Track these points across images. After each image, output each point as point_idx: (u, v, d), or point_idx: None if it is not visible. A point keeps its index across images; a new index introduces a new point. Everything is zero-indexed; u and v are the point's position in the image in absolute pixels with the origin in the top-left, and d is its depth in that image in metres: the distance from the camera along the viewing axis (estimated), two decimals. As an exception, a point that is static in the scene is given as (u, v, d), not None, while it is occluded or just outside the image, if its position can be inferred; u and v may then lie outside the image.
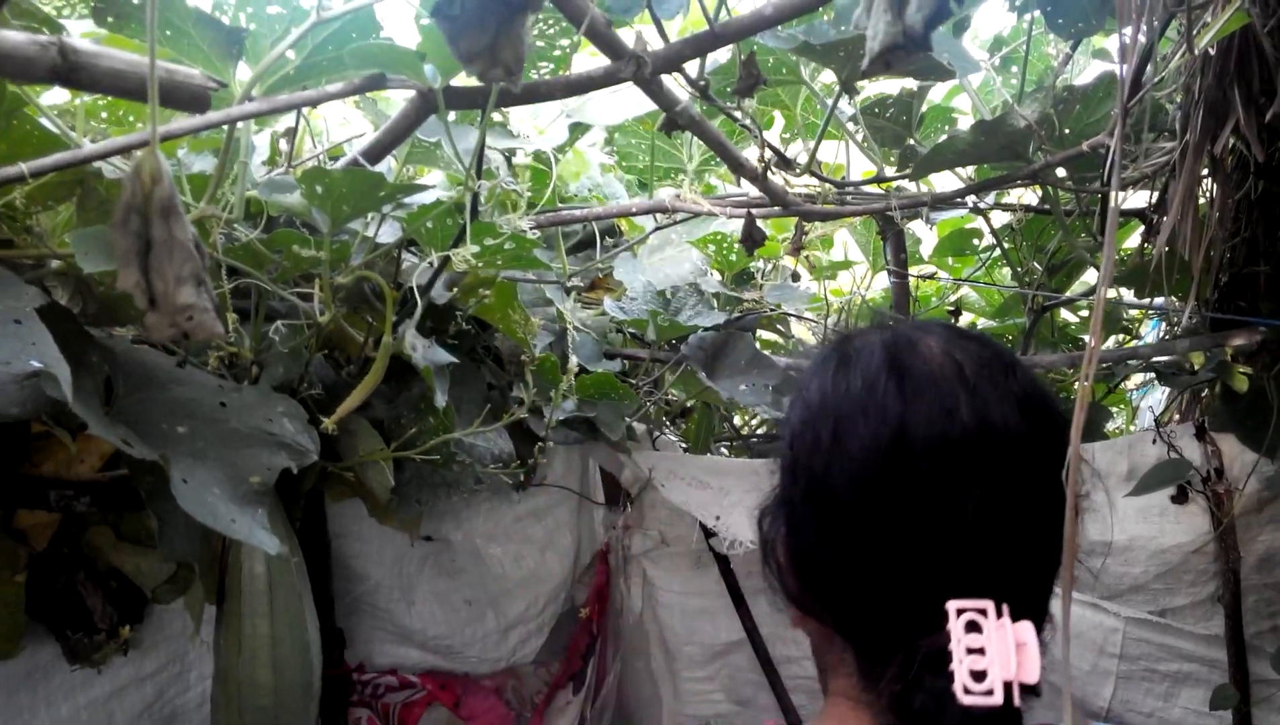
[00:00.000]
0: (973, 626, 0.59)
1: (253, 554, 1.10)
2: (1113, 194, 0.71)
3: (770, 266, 1.83)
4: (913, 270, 1.97)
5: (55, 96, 0.98)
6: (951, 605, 0.59)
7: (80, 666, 1.09)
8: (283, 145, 1.13)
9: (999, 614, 0.58)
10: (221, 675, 1.10)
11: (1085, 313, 2.36)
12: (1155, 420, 1.87)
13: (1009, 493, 0.64)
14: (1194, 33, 1.08)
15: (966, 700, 0.57)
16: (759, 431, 2.26)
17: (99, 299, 0.91)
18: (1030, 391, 0.67)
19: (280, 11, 0.91)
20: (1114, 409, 2.64)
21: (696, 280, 1.54)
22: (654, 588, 1.91)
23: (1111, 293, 2.12)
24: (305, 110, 1.12)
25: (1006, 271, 2.10)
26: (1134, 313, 2.23)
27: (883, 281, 2.09)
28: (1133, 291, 2.00)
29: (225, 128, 0.86)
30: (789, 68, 1.35)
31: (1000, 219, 1.92)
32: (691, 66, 1.04)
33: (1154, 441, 1.76)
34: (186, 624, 1.22)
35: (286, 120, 1.14)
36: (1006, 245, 1.93)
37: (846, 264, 2.00)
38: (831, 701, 0.71)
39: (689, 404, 2.12)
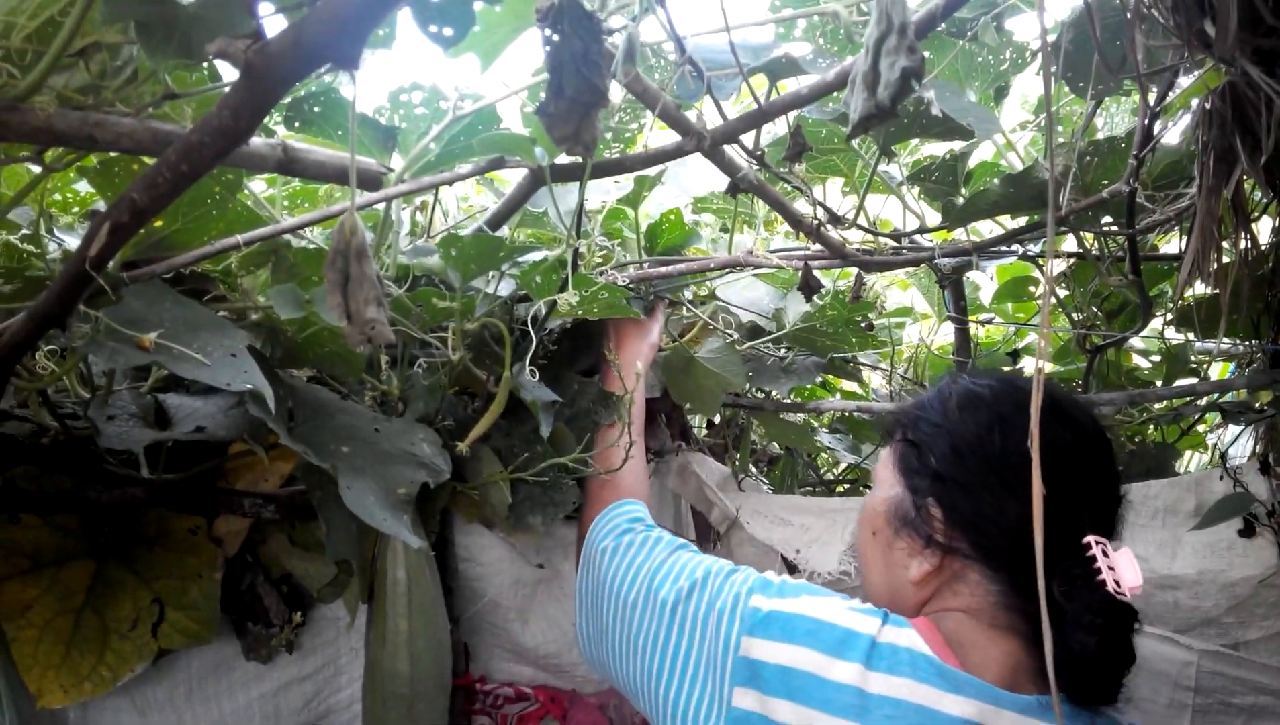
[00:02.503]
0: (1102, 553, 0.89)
1: (395, 562, 1.32)
2: (1050, 213, 0.89)
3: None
4: (974, 317, 2.13)
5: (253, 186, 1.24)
6: (1090, 539, 0.90)
7: (255, 659, 1.31)
8: (420, 219, 1.38)
9: (1115, 546, 0.91)
10: (370, 666, 1.31)
11: (1156, 357, 2.47)
12: (1221, 456, 1.95)
13: (1109, 472, 0.98)
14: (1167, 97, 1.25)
15: (1117, 596, 0.86)
16: (843, 477, 2.42)
17: (284, 346, 1.16)
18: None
19: (424, 112, 1.16)
20: (1201, 456, 2.70)
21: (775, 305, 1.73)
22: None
23: (1176, 336, 2.23)
24: (438, 189, 1.38)
25: (1074, 317, 2.22)
26: (1203, 357, 2.32)
27: (948, 332, 2.25)
28: (1193, 334, 2.11)
29: (382, 205, 1.11)
30: (839, 137, 1.56)
31: (1055, 266, 2.06)
32: (750, 138, 1.26)
33: (1221, 477, 1.84)
34: (339, 632, 1.44)
35: (422, 198, 1.40)
36: (1062, 291, 2.07)
37: (909, 311, 2.17)
38: (937, 614, 0.99)
39: (775, 452, 2.30)
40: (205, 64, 0.90)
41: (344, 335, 0.79)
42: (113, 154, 0.96)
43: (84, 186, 1.15)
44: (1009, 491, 0.95)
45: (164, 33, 0.73)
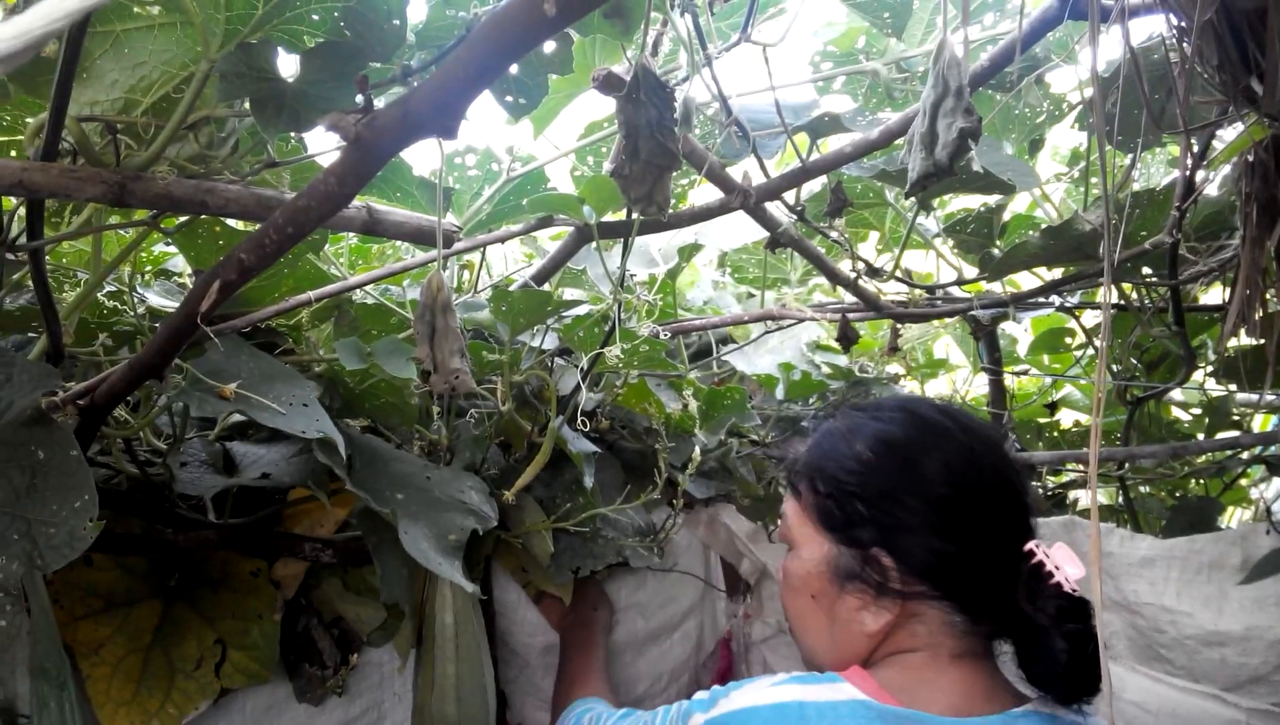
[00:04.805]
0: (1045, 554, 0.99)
1: (444, 607, 1.42)
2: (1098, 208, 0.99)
3: (868, 364, 2.12)
4: (1009, 369, 2.23)
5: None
6: (1031, 544, 0.99)
7: (306, 702, 1.40)
8: (465, 275, 1.51)
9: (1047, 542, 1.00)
10: (418, 709, 1.41)
11: (1197, 410, 2.56)
12: (1266, 510, 2.03)
13: (1022, 478, 1.07)
14: (1208, 149, 1.36)
15: (1073, 592, 0.96)
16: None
17: (343, 397, 1.27)
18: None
19: (477, 173, 1.29)
20: (1244, 511, 2.77)
21: (807, 358, 1.85)
22: (773, 674, 2.14)
23: (1216, 388, 2.32)
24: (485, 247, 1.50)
25: (1114, 368, 2.31)
26: (1245, 409, 2.41)
27: (983, 382, 2.35)
28: (1234, 386, 2.20)
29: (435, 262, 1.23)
30: (875, 192, 1.69)
31: (1094, 317, 2.17)
32: (789, 195, 1.38)
33: (1267, 532, 1.92)
34: (384, 677, 1.54)
35: (469, 256, 1.52)
36: (1100, 342, 2.17)
37: (943, 363, 2.28)
38: (894, 659, 1.05)
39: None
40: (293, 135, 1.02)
41: (430, 384, 0.90)
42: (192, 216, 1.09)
43: (158, 247, 1.28)
44: (950, 523, 1.01)
45: (274, 107, 0.85)
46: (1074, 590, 0.96)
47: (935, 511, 1.02)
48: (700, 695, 1.09)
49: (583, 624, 1.70)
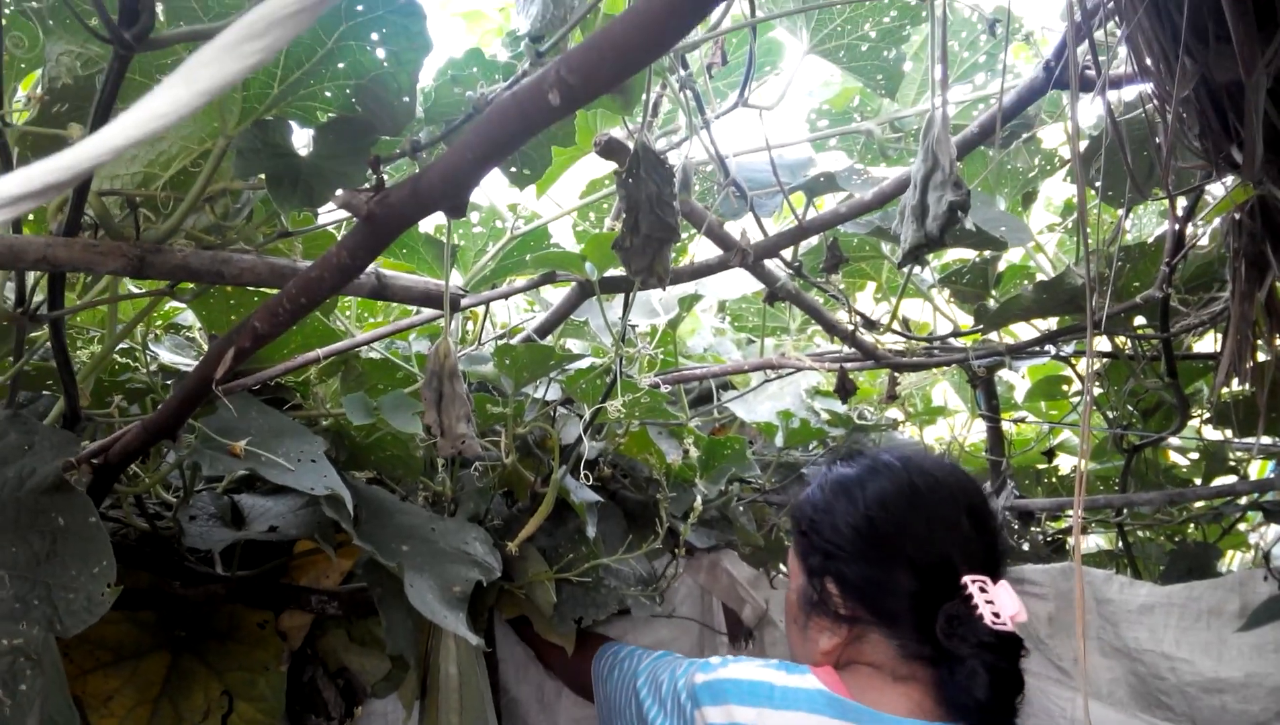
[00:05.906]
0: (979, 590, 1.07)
1: (448, 659, 1.44)
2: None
3: (868, 410, 2.15)
4: (1007, 416, 2.26)
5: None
6: (966, 578, 1.08)
7: (309, 754, 1.43)
8: (470, 326, 1.54)
9: (994, 580, 1.08)
10: (422, 761, 1.43)
11: (1194, 455, 2.59)
12: (1265, 556, 2.04)
13: (979, 520, 1.15)
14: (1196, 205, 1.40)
15: (996, 627, 1.04)
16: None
17: (349, 449, 1.30)
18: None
19: (482, 231, 1.33)
20: (1244, 554, 2.79)
21: (806, 404, 1.88)
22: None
23: (1215, 434, 2.35)
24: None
25: (1109, 415, 2.34)
26: (1242, 454, 2.43)
27: (981, 429, 2.38)
28: (1230, 432, 2.23)
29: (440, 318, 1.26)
30: (871, 246, 1.73)
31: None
32: (787, 252, 1.42)
33: (1265, 578, 1.94)
34: (388, 727, 1.56)
35: (473, 309, 1.56)
36: (1097, 390, 2.20)
37: (941, 409, 2.31)
38: (853, 668, 1.17)
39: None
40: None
41: (438, 449, 0.93)
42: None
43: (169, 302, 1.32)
44: (890, 558, 1.15)
45: (289, 183, 0.89)
46: (1002, 627, 1.04)
47: (864, 541, 1.17)
48: (714, 659, 1.25)
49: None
